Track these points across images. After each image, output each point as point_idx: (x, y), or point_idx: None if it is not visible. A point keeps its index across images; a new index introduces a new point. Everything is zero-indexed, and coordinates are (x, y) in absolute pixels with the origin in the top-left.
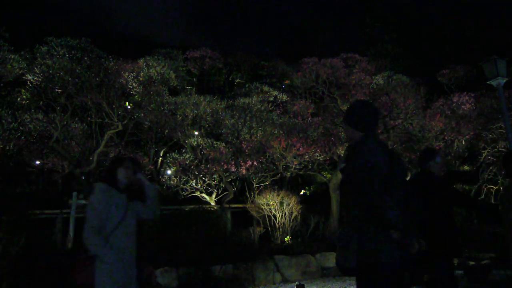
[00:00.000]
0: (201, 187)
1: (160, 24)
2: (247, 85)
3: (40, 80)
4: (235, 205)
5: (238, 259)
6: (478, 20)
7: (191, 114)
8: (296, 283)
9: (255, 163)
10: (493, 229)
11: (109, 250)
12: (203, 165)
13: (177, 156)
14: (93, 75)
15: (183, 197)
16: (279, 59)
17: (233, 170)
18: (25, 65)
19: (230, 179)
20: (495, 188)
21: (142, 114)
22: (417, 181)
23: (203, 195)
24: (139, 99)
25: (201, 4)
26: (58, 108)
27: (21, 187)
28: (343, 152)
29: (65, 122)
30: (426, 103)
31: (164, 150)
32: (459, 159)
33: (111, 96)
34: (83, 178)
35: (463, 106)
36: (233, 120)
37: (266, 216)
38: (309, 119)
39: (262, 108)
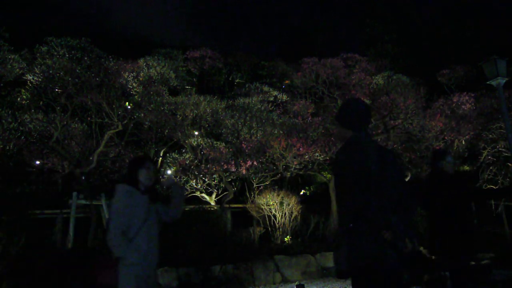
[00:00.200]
0: (201, 187)
1: (160, 24)
2: (247, 85)
3: (40, 80)
4: (235, 205)
5: (238, 259)
6: (478, 20)
7: (191, 114)
8: (296, 283)
9: (255, 163)
10: (493, 229)
11: (132, 252)
12: (203, 165)
13: (177, 156)
14: (93, 75)
15: None
16: (279, 59)
17: (233, 170)
18: (25, 65)
19: (230, 179)
20: (495, 188)
21: (142, 114)
22: (432, 180)
23: (203, 195)
24: (139, 99)
25: (201, 4)
26: (58, 108)
27: (21, 187)
28: None
29: (65, 122)
30: (426, 103)
31: (164, 150)
32: (459, 159)
33: (111, 96)
34: (83, 178)
35: (463, 106)
36: (233, 120)
37: (266, 216)
38: (309, 119)
39: (262, 108)
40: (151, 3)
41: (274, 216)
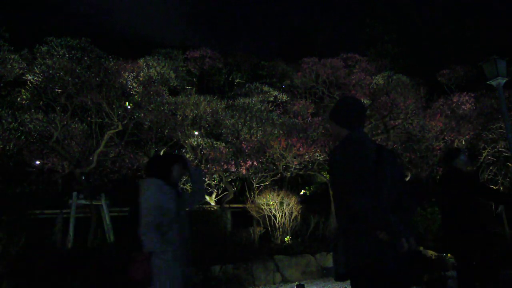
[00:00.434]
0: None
1: (160, 24)
2: (247, 85)
3: (40, 80)
4: (235, 205)
5: (238, 259)
6: (478, 20)
7: (191, 114)
8: (296, 283)
9: (255, 163)
10: (493, 229)
11: (166, 246)
12: (203, 165)
13: None
14: (93, 75)
15: None
16: (279, 59)
17: (233, 170)
18: (25, 65)
19: (230, 179)
20: (495, 188)
21: (142, 114)
22: (446, 179)
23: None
24: (139, 99)
25: (201, 4)
26: (58, 108)
27: (21, 187)
28: None
29: (65, 122)
30: (426, 103)
31: (164, 150)
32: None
33: (111, 96)
34: (83, 178)
35: (463, 106)
36: (233, 120)
37: (266, 216)
38: (309, 119)
39: (262, 108)
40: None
41: (274, 216)
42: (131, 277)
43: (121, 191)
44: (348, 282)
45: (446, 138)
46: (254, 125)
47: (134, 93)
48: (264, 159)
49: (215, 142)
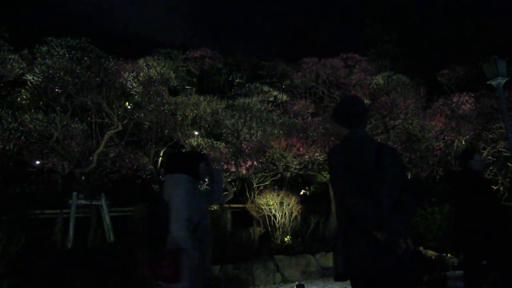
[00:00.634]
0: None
1: (160, 24)
2: (247, 85)
3: (40, 80)
4: (235, 205)
5: (238, 259)
6: (478, 20)
7: (191, 114)
8: (296, 283)
9: (255, 163)
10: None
11: (194, 244)
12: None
13: None
14: (93, 75)
15: None
16: (279, 59)
17: (233, 170)
18: (25, 65)
19: (230, 179)
20: (495, 188)
21: (142, 114)
22: (461, 179)
23: None
24: (139, 99)
25: (201, 4)
26: (58, 108)
27: (21, 187)
28: None
29: (65, 122)
30: (426, 103)
31: (164, 150)
32: (459, 159)
33: (111, 96)
34: (83, 178)
35: (463, 106)
36: (233, 120)
37: (266, 216)
38: (309, 119)
39: (262, 108)
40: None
41: (274, 216)
42: (160, 275)
43: (121, 191)
44: (348, 282)
45: (446, 138)
46: (254, 125)
47: (134, 93)
48: (264, 159)
49: (215, 142)
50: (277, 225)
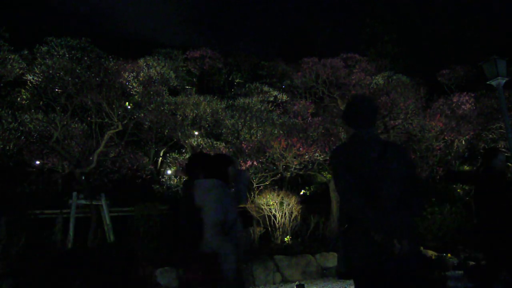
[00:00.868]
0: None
1: (160, 24)
2: (247, 85)
3: (40, 80)
4: None
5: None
6: (478, 20)
7: (191, 114)
8: (296, 283)
9: (255, 163)
10: None
11: (229, 246)
12: None
13: (177, 156)
14: (93, 75)
15: None
16: (279, 59)
17: None
18: (25, 65)
19: None
20: None
21: (142, 114)
22: (485, 179)
23: None
24: (139, 99)
25: (201, 4)
26: (58, 108)
27: (21, 187)
28: None
29: (65, 122)
30: (426, 103)
31: (164, 150)
32: (459, 159)
33: (111, 96)
34: (83, 178)
35: (463, 106)
36: (233, 120)
37: (266, 216)
38: (309, 119)
39: (262, 108)
40: (151, 3)
41: (274, 216)
42: (194, 278)
43: (121, 191)
44: (348, 282)
45: (446, 138)
46: (254, 125)
47: (134, 93)
48: (264, 159)
49: (215, 142)
50: (277, 225)
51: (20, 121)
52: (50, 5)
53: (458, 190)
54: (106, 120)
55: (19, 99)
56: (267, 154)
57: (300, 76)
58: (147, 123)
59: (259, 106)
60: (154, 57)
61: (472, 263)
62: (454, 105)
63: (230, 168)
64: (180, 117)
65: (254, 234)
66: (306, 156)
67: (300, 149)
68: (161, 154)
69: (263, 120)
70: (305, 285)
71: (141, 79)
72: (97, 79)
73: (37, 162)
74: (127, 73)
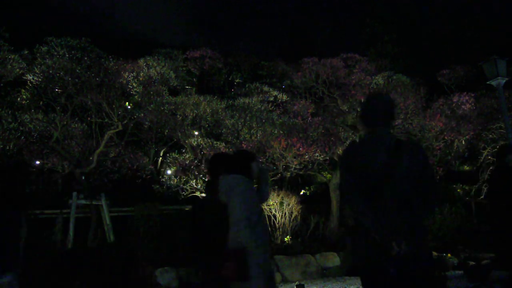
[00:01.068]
0: (201, 187)
1: (160, 24)
2: (247, 85)
3: (40, 80)
4: None
5: None
6: (478, 20)
7: (191, 114)
8: (296, 283)
9: None
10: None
11: (257, 242)
12: (203, 165)
13: (177, 156)
14: (93, 75)
15: (183, 197)
16: (279, 59)
17: None
18: (25, 65)
19: None
20: None
21: (142, 114)
22: (497, 175)
23: (203, 195)
24: (139, 99)
25: (202, 4)
26: (58, 108)
27: (21, 187)
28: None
29: (65, 122)
30: (426, 103)
31: (164, 150)
32: (459, 159)
33: (111, 96)
34: (83, 178)
35: (463, 106)
36: (233, 120)
37: (266, 216)
38: (309, 119)
39: (262, 108)
40: (151, 3)
41: (274, 216)
42: (224, 275)
43: (121, 191)
44: (348, 282)
45: (446, 138)
46: (254, 125)
47: (134, 93)
48: (264, 159)
49: (215, 142)
50: (277, 225)
51: (20, 121)
52: (50, 5)
53: (458, 190)
54: (106, 120)
55: (19, 99)
56: (267, 154)
57: (300, 76)
58: (147, 123)
59: (259, 106)
60: (154, 57)
61: (472, 263)
62: (454, 105)
63: (253, 164)
64: (180, 117)
65: None
66: (306, 156)
67: (300, 149)
68: (161, 154)
69: (263, 120)
70: (305, 285)
71: (141, 79)
72: (97, 79)
73: (37, 162)
74: (127, 73)
